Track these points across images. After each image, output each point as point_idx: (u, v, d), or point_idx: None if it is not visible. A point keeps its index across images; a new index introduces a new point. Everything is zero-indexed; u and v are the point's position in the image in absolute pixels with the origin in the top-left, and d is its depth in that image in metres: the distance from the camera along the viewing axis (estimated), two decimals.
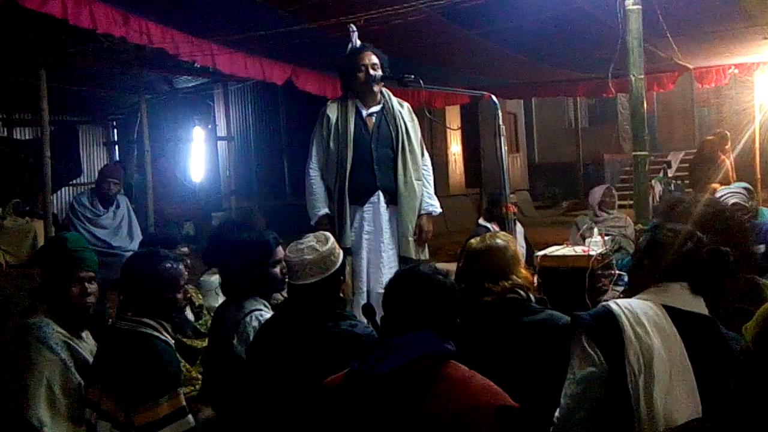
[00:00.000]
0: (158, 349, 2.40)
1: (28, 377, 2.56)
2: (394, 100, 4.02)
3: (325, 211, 3.84)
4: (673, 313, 1.89)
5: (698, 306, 1.93)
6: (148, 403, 2.28)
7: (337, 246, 2.57)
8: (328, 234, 2.60)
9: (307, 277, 2.45)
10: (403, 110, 4.02)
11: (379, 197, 3.89)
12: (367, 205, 3.87)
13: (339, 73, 4.02)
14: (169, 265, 2.56)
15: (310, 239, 2.53)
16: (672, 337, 1.83)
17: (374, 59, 3.86)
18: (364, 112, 3.89)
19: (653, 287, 1.97)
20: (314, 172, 3.91)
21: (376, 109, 3.93)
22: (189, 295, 2.80)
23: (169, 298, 2.55)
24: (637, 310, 1.88)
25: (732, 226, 2.34)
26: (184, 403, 2.37)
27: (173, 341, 2.56)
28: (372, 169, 3.87)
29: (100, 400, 2.38)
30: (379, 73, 3.85)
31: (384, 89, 3.98)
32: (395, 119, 3.95)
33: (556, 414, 1.92)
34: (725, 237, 2.11)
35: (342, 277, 2.56)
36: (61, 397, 2.55)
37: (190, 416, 2.39)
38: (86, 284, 2.78)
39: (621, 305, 1.91)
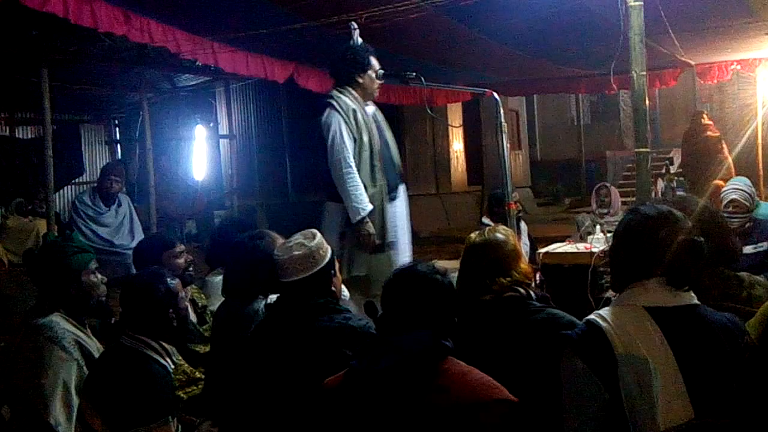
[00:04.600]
0: (153, 374, 2.36)
1: (43, 378, 2.56)
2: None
3: (371, 206, 3.66)
4: (657, 313, 1.79)
5: (681, 298, 1.84)
6: (137, 428, 2.24)
7: (324, 242, 2.57)
8: (315, 231, 2.60)
9: (297, 273, 2.46)
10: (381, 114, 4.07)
11: (401, 191, 3.91)
12: (398, 200, 3.86)
13: (346, 66, 3.85)
14: (170, 278, 2.53)
15: (297, 237, 2.54)
16: (662, 348, 1.74)
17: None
18: (367, 110, 3.88)
19: (632, 287, 1.87)
20: (353, 164, 3.66)
21: (372, 108, 3.94)
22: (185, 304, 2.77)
23: (183, 307, 2.52)
24: (624, 323, 1.78)
25: (705, 218, 2.22)
26: (173, 430, 2.34)
27: (172, 364, 2.51)
28: (393, 163, 3.88)
29: (87, 416, 2.35)
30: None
31: None
32: (383, 120, 3.99)
33: None
34: (700, 229, 1.99)
35: (333, 272, 2.56)
36: (76, 398, 2.54)
37: None
38: (92, 277, 2.81)
39: (608, 319, 1.81)
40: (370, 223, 3.63)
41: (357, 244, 3.65)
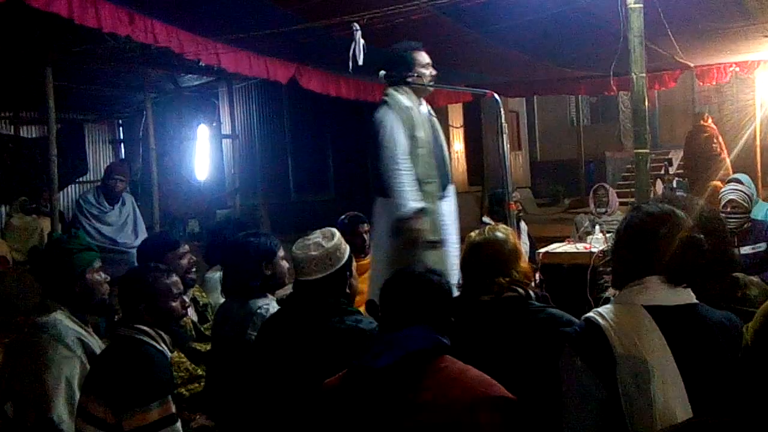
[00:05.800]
0: (150, 355, 2.38)
1: (47, 375, 2.58)
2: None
3: (421, 204, 3.55)
4: (656, 312, 1.79)
5: (680, 297, 1.83)
6: (138, 409, 2.25)
7: (343, 242, 2.57)
8: (334, 230, 2.60)
9: (313, 272, 2.47)
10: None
11: (452, 192, 3.86)
12: (445, 199, 3.80)
13: (395, 67, 3.80)
14: (159, 275, 2.54)
15: (316, 235, 2.54)
16: (661, 347, 1.73)
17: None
18: (421, 109, 3.83)
19: (632, 285, 1.86)
20: (406, 161, 3.57)
21: (426, 108, 3.89)
22: (187, 305, 2.78)
23: (164, 307, 2.52)
24: (623, 321, 1.78)
25: (705, 223, 2.23)
26: (174, 410, 2.35)
27: (169, 352, 2.53)
28: (444, 163, 3.83)
29: (87, 403, 2.37)
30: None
31: None
32: (437, 122, 3.96)
33: None
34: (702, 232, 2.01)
35: (349, 273, 2.56)
36: (78, 394, 2.55)
37: (179, 424, 2.39)
38: (96, 276, 2.85)
39: (607, 317, 1.81)
40: (417, 220, 3.52)
41: (405, 241, 3.57)
